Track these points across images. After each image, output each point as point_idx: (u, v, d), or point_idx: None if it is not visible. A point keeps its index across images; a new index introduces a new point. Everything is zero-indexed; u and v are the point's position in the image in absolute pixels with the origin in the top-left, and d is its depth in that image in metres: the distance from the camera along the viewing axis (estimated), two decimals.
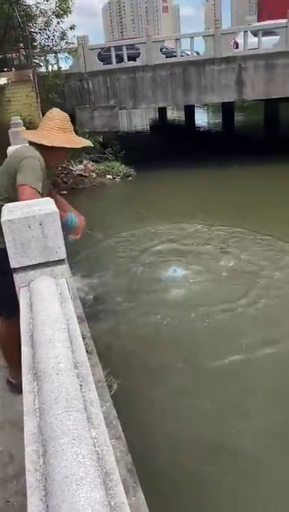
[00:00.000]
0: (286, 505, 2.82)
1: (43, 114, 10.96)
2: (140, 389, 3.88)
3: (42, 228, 1.49)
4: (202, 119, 27.90)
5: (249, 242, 7.12)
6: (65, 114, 2.69)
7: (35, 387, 1.05)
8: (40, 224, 1.48)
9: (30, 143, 2.61)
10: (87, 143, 2.85)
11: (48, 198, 1.66)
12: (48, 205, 1.52)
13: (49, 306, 1.37)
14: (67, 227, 2.71)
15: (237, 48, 14.28)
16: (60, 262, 1.57)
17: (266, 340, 4.48)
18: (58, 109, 2.74)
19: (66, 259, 1.71)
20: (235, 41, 14.44)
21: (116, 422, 2.17)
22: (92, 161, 12.76)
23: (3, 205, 1.64)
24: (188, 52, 14.80)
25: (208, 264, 6.41)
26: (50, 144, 2.50)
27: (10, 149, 3.80)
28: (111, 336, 4.67)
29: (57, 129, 2.59)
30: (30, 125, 9.63)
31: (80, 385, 1.04)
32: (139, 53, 13.91)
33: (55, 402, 0.95)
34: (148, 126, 29.49)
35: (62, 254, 1.56)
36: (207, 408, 3.62)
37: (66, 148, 2.61)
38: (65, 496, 0.73)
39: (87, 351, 2.73)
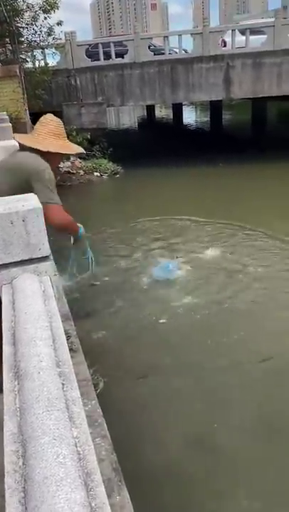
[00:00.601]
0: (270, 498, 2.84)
1: (30, 111, 10.87)
2: (127, 387, 3.87)
3: (25, 224, 1.46)
4: (190, 117, 27.96)
5: (237, 236, 7.26)
6: (59, 120, 2.74)
7: (16, 386, 1.02)
8: (23, 220, 1.46)
9: (24, 147, 2.61)
10: (80, 150, 2.97)
11: (32, 194, 1.64)
12: (31, 201, 1.49)
13: (32, 303, 1.35)
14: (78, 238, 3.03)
15: (225, 46, 14.32)
16: (43, 259, 1.55)
17: (252, 338, 4.51)
18: (52, 115, 2.77)
19: (51, 256, 1.68)
20: (223, 39, 14.49)
21: (101, 421, 2.14)
22: (80, 158, 12.68)
23: None
24: (177, 50, 14.80)
25: (196, 259, 6.43)
26: (45, 150, 2.53)
27: None
28: (98, 334, 4.64)
29: (51, 135, 2.63)
30: (16, 121, 9.55)
31: (62, 384, 1.02)
32: (127, 50, 13.87)
33: (36, 401, 0.93)
34: (136, 124, 29.43)
35: (46, 251, 1.54)
36: (194, 406, 3.62)
37: (61, 153, 2.67)
38: (44, 498, 0.72)
39: (72, 350, 2.71)
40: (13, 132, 6.43)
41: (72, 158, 12.42)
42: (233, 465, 3.07)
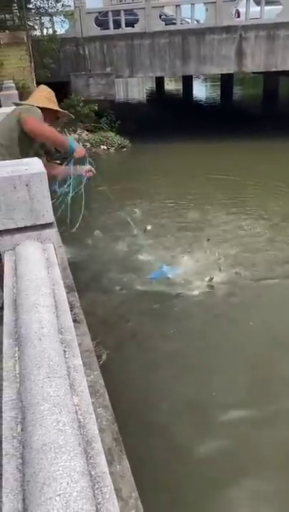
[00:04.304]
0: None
1: (37, 80, 10.57)
2: (130, 359, 3.89)
3: (28, 189, 1.41)
4: (200, 91, 27.33)
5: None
6: (51, 90, 3.17)
7: (17, 353, 1.00)
8: (26, 185, 1.41)
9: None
10: (68, 113, 3.49)
11: (36, 158, 1.58)
12: (34, 165, 1.44)
13: (35, 270, 1.31)
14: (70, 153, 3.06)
15: (239, 17, 13.83)
16: (47, 225, 1.51)
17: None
18: (46, 86, 3.24)
19: (55, 224, 1.64)
20: (237, 10, 13.98)
21: (103, 391, 2.15)
22: (87, 131, 12.48)
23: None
24: (189, 20, 14.31)
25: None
26: (35, 104, 2.91)
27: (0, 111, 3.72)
28: (102, 307, 4.65)
29: (44, 98, 3.06)
30: (23, 90, 9.34)
31: (64, 351, 0.99)
32: (138, 19, 13.44)
33: (37, 367, 0.91)
34: (144, 97, 28.86)
35: (50, 217, 1.50)
36: (194, 378, 3.64)
37: (52, 112, 3.04)
38: (42, 464, 0.70)
39: (75, 320, 2.68)
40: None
41: (78, 131, 12.22)
42: None
